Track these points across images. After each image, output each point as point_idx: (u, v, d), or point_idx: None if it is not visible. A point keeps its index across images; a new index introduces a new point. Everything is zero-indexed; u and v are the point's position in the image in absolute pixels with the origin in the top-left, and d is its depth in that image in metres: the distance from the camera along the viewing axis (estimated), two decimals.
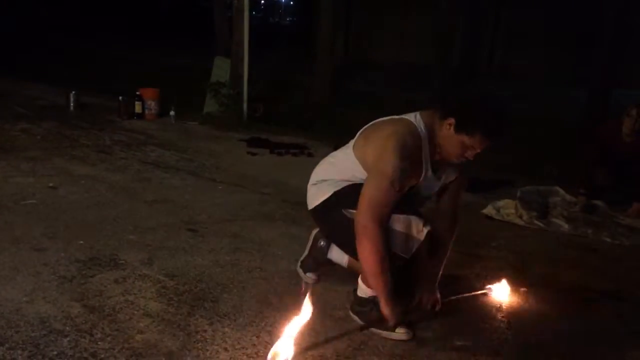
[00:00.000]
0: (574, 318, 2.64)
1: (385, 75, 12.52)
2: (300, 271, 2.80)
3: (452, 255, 3.24)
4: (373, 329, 2.33)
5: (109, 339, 2.17)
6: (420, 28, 15.05)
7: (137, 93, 6.62)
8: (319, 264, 2.74)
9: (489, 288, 2.77)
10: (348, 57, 15.62)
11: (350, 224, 2.27)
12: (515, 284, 2.85)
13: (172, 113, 6.62)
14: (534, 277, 3.02)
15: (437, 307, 2.49)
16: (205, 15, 11.66)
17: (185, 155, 5.19)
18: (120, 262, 2.84)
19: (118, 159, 4.88)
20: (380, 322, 2.30)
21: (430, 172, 2.34)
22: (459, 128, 2.21)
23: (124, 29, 18.34)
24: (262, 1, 34.91)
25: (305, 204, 2.61)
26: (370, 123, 2.45)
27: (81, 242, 3.03)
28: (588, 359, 2.35)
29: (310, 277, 2.77)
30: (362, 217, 2.20)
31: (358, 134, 2.45)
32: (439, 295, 2.51)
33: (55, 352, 2.06)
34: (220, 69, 7.21)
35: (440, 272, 2.54)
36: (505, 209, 4.13)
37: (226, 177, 4.57)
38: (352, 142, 2.45)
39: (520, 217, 4.02)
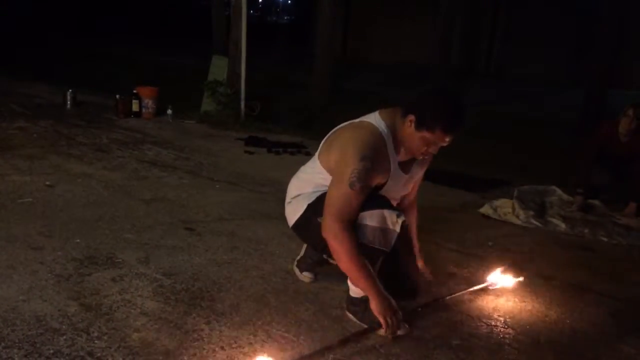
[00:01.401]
0: (570, 317, 2.65)
1: (383, 74, 12.53)
2: (296, 270, 2.80)
3: (449, 254, 3.27)
4: (369, 326, 2.33)
5: (105, 337, 2.16)
6: (419, 28, 15.08)
7: (135, 91, 6.61)
8: (315, 263, 2.76)
9: (490, 282, 2.78)
10: (346, 57, 15.63)
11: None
12: (513, 279, 2.86)
13: (169, 112, 6.61)
14: (531, 276, 3.02)
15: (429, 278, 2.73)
16: (204, 14, 11.65)
17: (182, 154, 5.18)
18: (117, 260, 2.83)
19: (115, 157, 4.87)
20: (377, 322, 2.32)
21: (398, 170, 2.37)
22: (419, 124, 2.24)
23: (124, 29, 18.32)
24: (260, 0, 34.86)
25: None
26: (332, 130, 2.47)
27: (78, 240, 3.03)
28: (584, 357, 2.35)
29: (306, 276, 2.77)
30: (326, 220, 2.24)
31: (322, 143, 2.48)
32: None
33: (51, 351, 2.05)
34: (218, 68, 7.20)
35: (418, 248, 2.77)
36: (503, 208, 4.13)
37: (223, 175, 4.57)
38: (317, 152, 2.48)
39: (518, 216, 4.02)
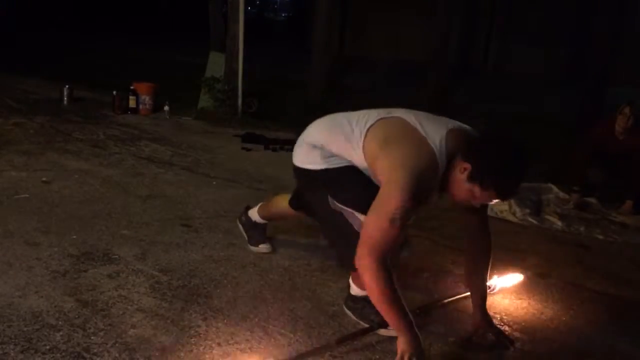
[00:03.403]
0: (566, 314, 2.66)
1: (382, 71, 12.51)
2: (253, 249, 2.96)
3: (446, 252, 3.27)
4: (366, 325, 2.33)
5: (102, 333, 2.16)
6: (418, 24, 15.05)
7: (132, 88, 6.59)
8: (260, 230, 2.99)
9: (488, 286, 2.77)
10: (344, 53, 15.60)
11: (334, 216, 2.28)
12: (509, 279, 2.87)
13: (166, 108, 6.60)
14: (527, 274, 3.03)
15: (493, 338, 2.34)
16: (203, 11, 11.62)
17: (179, 150, 5.17)
18: (114, 257, 2.83)
19: (112, 153, 4.86)
20: (377, 321, 2.32)
21: (437, 197, 2.22)
22: (473, 177, 2.01)
23: (123, 25, 18.25)
24: None
25: None
26: (394, 116, 2.19)
27: (74, 236, 3.02)
28: (581, 355, 2.36)
29: (264, 247, 2.98)
30: (360, 250, 2.03)
31: (377, 119, 2.21)
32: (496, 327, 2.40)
33: (48, 347, 2.05)
34: (215, 64, 7.18)
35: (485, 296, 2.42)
36: (499, 205, 4.14)
37: (220, 172, 4.56)
38: (367, 125, 2.20)
39: (514, 214, 4.03)
